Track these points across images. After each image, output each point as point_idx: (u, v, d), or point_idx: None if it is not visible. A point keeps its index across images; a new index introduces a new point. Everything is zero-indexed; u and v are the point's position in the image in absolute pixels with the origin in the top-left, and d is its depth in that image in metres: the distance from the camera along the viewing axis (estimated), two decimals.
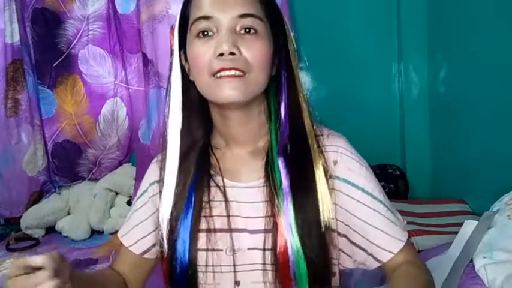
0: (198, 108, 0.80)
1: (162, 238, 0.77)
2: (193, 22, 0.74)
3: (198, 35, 0.74)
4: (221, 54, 0.71)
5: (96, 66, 2.24)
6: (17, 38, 2.11)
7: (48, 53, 2.18)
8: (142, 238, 0.83)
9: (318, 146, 0.78)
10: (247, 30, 0.73)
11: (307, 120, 0.79)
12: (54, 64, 2.20)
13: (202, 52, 0.73)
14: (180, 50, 0.79)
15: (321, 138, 0.79)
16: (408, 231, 1.56)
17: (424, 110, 2.18)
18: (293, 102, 0.79)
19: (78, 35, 2.21)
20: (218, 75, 0.71)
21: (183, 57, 0.79)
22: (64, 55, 2.21)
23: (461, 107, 1.87)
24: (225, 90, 0.71)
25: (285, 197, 0.73)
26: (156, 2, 2.14)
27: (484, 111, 1.69)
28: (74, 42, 2.21)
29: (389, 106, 2.30)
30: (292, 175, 0.74)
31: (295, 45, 0.81)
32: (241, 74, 0.71)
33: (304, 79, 2.36)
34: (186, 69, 0.79)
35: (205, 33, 0.73)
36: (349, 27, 2.25)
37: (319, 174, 0.75)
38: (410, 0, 2.15)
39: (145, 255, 0.84)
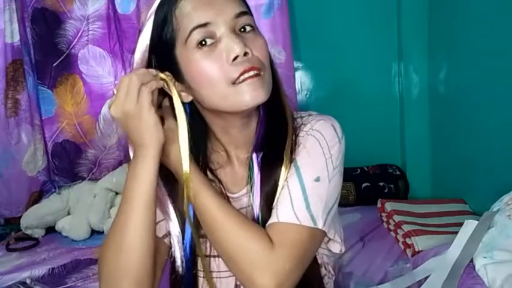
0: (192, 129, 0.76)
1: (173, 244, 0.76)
2: (190, 33, 0.68)
3: (197, 46, 0.68)
4: (235, 58, 0.67)
5: (96, 66, 2.24)
6: (17, 38, 2.10)
7: (48, 53, 2.18)
8: (161, 221, 0.78)
9: (296, 137, 0.75)
10: (244, 28, 0.70)
11: (288, 113, 0.77)
12: (54, 64, 2.20)
13: (211, 63, 0.68)
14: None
15: (307, 126, 0.76)
16: (408, 231, 1.58)
17: (424, 110, 2.18)
18: (275, 98, 0.75)
19: (78, 35, 2.21)
20: (239, 80, 0.67)
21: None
22: (64, 55, 2.20)
23: (461, 107, 1.87)
24: (248, 95, 0.68)
25: (256, 195, 0.73)
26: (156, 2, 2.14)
27: (484, 111, 1.69)
28: (74, 42, 2.21)
29: (389, 106, 2.30)
30: (262, 173, 0.74)
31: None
32: (258, 73, 0.68)
33: (304, 79, 2.38)
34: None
35: (204, 42, 0.68)
36: (349, 27, 2.25)
37: (285, 173, 0.73)
38: (410, 0, 2.16)
39: (166, 240, 0.78)
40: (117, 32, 2.22)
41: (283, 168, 0.73)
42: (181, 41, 0.69)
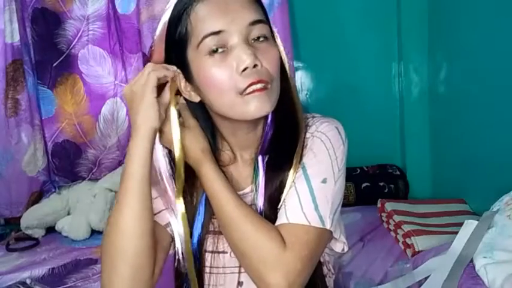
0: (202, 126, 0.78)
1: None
2: (202, 40, 0.69)
3: (209, 53, 0.69)
4: (244, 69, 0.68)
5: (96, 66, 2.24)
6: (17, 38, 2.10)
7: (48, 53, 2.18)
8: (163, 210, 0.77)
9: (305, 138, 0.77)
10: (257, 37, 0.71)
11: (300, 118, 0.78)
12: (54, 64, 2.20)
13: (221, 71, 0.69)
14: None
15: (311, 128, 0.78)
16: (408, 231, 1.58)
17: (424, 110, 2.18)
18: (285, 103, 0.77)
19: (78, 35, 2.21)
20: (246, 91, 0.69)
21: (178, 76, 0.75)
22: (64, 55, 2.20)
23: (461, 107, 1.87)
24: (253, 106, 0.69)
25: (260, 195, 0.75)
26: (156, 2, 2.14)
27: (484, 111, 1.69)
28: (74, 42, 2.21)
29: (389, 106, 2.30)
30: (267, 174, 0.75)
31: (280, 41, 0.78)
32: (266, 86, 0.69)
33: (304, 79, 2.37)
34: (182, 88, 0.75)
35: (215, 49, 0.69)
36: (349, 27, 2.25)
37: (293, 175, 0.74)
38: (410, 0, 2.15)
39: (168, 229, 0.78)
40: (117, 32, 2.22)
41: (291, 170, 0.74)
42: (193, 44, 0.71)
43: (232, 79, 0.69)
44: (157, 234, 0.75)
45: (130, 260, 0.69)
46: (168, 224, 0.77)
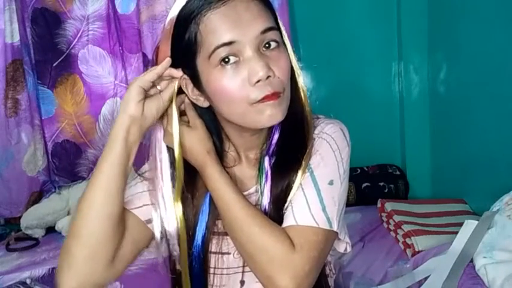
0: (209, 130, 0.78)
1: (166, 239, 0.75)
2: (213, 51, 0.68)
3: (220, 64, 0.68)
4: (258, 81, 0.67)
5: (96, 66, 2.24)
6: (17, 38, 2.10)
7: (48, 53, 2.18)
8: (148, 205, 0.76)
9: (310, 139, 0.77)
10: (268, 45, 0.70)
11: (309, 121, 0.78)
12: (54, 64, 2.20)
13: (233, 82, 0.68)
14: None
15: (317, 129, 0.78)
16: (408, 231, 1.58)
17: (424, 110, 2.18)
18: (296, 103, 0.77)
19: (78, 35, 2.21)
20: (259, 101, 0.69)
21: (184, 80, 0.74)
22: (64, 55, 2.20)
23: (461, 107, 1.87)
24: (266, 115, 0.69)
25: (265, 196, 0.75)
26: (156, 2, 2.14)
27: (484, 111, 1.69)
28: (74, 42, 2.21)
29: (389, 106, 2.30)
30: (273, 175, 0.75)
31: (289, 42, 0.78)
32: (279, 94, 0.70)
33: (304, 79, 2.37)
34: (189, 92, 0.75)
35: (227, 60, 0.68)
36: (349, 27, 2.25)
37: (301, 177, 0.74)
38: (410, 0, 2.16)
39: (150, 225, 0.75)
40: (117, 32, 2.22)
41: (299, 172, 0.74)
42: (203, 55, 0.69)
43: (245, 90, 0.68)
44: (130, 225, 0.74)
45: (87, 240, 0.68)
46: (150, 220, 0.75)
